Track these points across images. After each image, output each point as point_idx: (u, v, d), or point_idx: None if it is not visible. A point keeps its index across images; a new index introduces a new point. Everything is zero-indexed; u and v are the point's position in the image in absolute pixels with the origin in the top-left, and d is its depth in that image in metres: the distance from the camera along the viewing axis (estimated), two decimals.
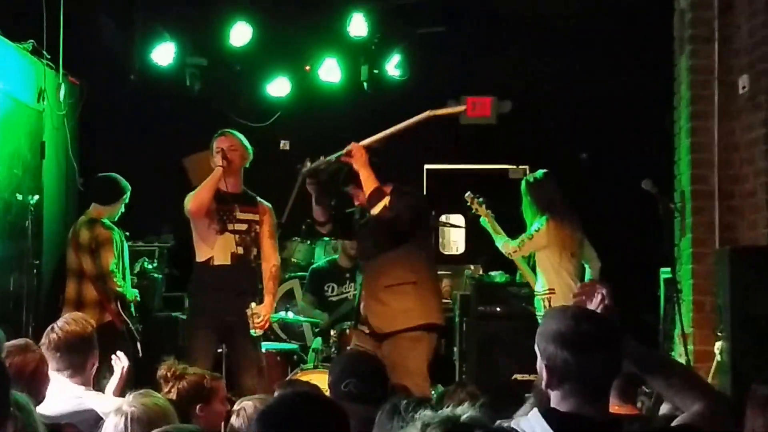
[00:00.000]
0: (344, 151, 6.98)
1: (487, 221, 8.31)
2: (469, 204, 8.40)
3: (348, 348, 7.49)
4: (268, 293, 7.59)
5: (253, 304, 7.37)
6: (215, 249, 7.46)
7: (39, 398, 4.35)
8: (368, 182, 6.88)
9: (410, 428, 2.26)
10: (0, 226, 8.00)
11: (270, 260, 7.63)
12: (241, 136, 7.69)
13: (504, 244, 8.15)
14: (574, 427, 3.10)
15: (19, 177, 8.38)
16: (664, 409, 4.60)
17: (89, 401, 4.77)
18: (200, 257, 7.53)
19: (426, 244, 7.37)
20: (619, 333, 3.33)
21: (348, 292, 9.20)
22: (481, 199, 8.36)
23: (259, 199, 7.74)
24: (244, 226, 7.52)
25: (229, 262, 7.45)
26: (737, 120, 7.65)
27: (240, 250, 7.46)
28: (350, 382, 4.76)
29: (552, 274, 7.97)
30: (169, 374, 5.24)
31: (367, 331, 7.10)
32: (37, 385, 4.35)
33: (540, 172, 8.24)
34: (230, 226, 7.46)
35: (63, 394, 4.79)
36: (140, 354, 7.88)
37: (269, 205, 7.75)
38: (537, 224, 8.00)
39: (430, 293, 7.20)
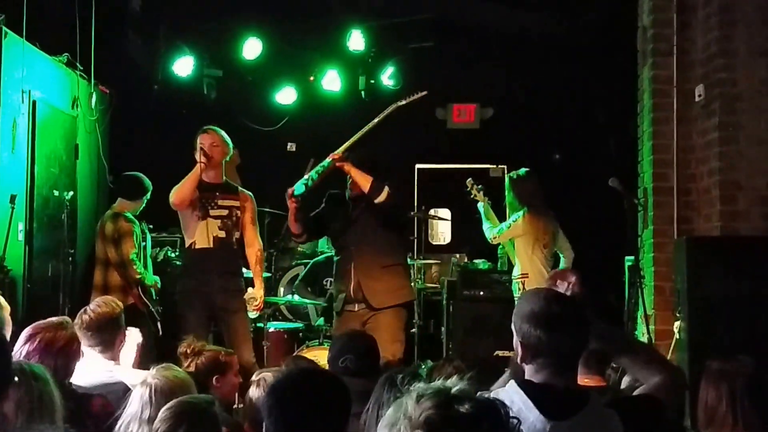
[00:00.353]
0: (328, 161, 7.10)
1: (483, 206, 8.31)
2: (469, 189, 8.39)
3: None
4: (256, 277, 7.45)
5: (250, 289, 7.31)
6: (197, 234, 7.27)
7: (67, 371, 4.35)
8: (363, 179, 7.04)
9: (406, 398, 2.25)
10: (39, 219, 8.00)
11: (254, 245, 7.47)
12: (222, 133, 7.50)
13: (488, 229, 8.16)
14: (547, 396, 3.11)
15: (55, 175, 8.38)
16: (625, 382, 4.60)
17: (119, 374, 4.79)
18: (186, 243, 7.42)
19: (407, 232, 7.57)
20: (586, 313, 3.35)
21: None
22: (480, 186, 8.38)
23: (240, 188, 7.57)
24: (224, 212, 7.31)
25: (210, 246, 7.23)
26: (693, 125, 7.66)
27: (222, 234, 7.25)
28: (347, 358, 4.76)
29: (526, 261, 7.98)
30: (188, 350, 5.24)
31: (356, 309, 7.13)
32: (65, 360, 4.34)
33: (523, 170, 8.24)
34: (212, 212, 7.27)
35: (95, 367, 4.81)
36: (160, 333, 7.87)
37: (250, 194, 7.57)
38: (515, 216, 8.02)
39: (409, 274, 7.78)
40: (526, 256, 7.98)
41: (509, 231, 8.04)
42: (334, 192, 7.51)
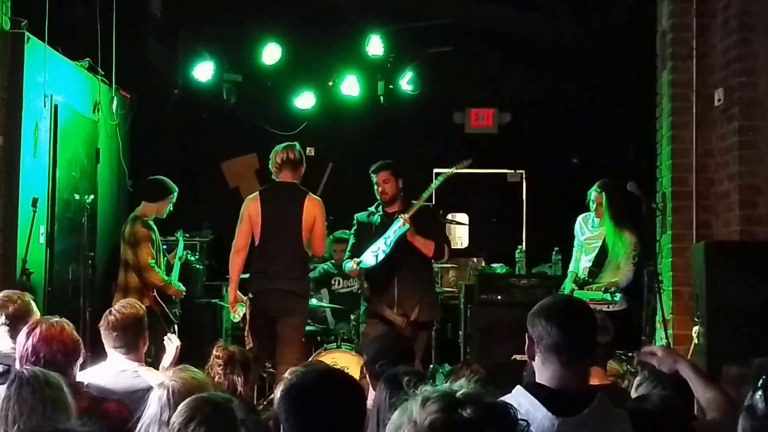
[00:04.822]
0: (400, 231, 7.34)
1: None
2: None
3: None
4: None
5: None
6: None
7: (74, 358, 4.41)
8: (426, 246, 7.45)
9: (411, 402, 2.22)
10: (60, 222, 8.03)
11: None
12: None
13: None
14: (553, 394, 3.16)
15: (76, 179, 8.42)
16: (642, 390, 4.47)
17: (145, 376, 4.81)
18: None
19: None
20: (592, 312, 3.45)
21: (353, 286, 9.22)
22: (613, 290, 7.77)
23: None
24: None
25: None
26: (713, 129, 7.60)
27: None
28: (384, 363, 4.75)
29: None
30: (223, 354, 5.19)
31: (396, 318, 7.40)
32: (72, 347, 4.41)
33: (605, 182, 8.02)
34: None
35: (121, 370, 4.85)
36: (176, 334, 7.86)
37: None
38: (619, 235, 7.81)
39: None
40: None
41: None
42: (361, 214, 7.80)
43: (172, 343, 5.33)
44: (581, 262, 8.11)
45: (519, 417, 2.27)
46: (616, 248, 7.78)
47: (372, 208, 7.68)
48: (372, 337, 5.37)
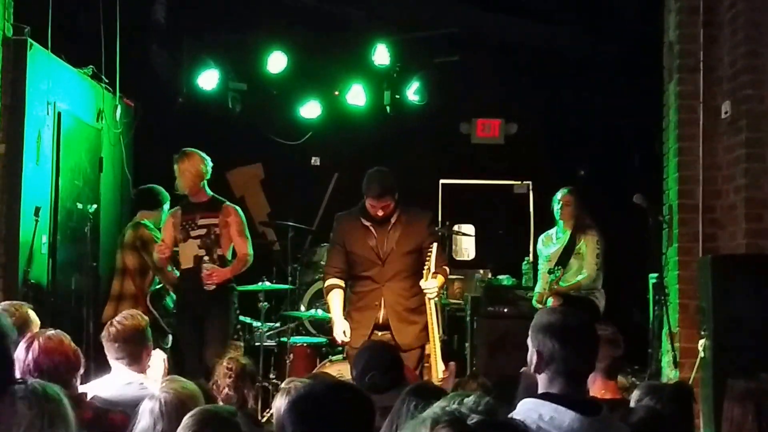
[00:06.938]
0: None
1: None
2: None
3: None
4: (230, 266, 7.58)
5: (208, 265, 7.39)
6: (181, 255, 7.59)
7: (76, 367, 4.42)
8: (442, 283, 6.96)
9: (421, 428, 2.14)
10: (63, 231, 8.06)
11: (241, 251, 7.60)
12: (189, 156, 7.82)
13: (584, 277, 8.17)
14: (572, 400, 3.27)
15: (79, 188, 8.45)
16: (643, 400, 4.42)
17: (151, 388, 4.83)
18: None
19: None
20: (596, 329, 3.59)
21: None
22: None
23: (226, 203, 7.79)
24: (203, 231, 7.49)
25: (192, 265, 7.46)
26: (720, 141, 7.62)
27: (201, 252, 7.44)
28: (373, 374, 4.76)
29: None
30: (236, 366, 5.18)
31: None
32: (72, 356, 4.41)
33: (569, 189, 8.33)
34: (192, 233, 7.52)
35: (127, 382, 4.84)
36: (169, 345, 7.86)
37: (236, 207, 7.80)
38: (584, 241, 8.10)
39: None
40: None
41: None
42: (341, 214, 7.16)
43: (157, 357, 5.34)
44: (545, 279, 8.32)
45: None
46: (579, 247, 7.97)
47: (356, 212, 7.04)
48: (358, 350, 5.27)
